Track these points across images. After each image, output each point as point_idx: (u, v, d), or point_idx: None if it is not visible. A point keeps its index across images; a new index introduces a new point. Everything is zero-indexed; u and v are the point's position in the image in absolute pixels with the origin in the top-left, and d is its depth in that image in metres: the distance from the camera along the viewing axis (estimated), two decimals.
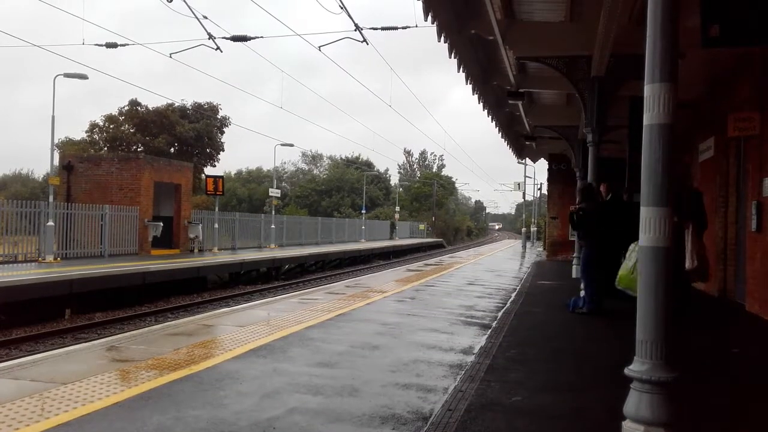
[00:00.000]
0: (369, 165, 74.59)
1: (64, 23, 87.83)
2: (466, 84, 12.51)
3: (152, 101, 42.12)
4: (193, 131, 40.93)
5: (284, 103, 77.65)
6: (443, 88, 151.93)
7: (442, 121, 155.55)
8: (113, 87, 78.74)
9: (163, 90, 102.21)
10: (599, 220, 8.71)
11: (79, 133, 41.29)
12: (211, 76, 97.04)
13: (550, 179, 23.60)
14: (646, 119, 3.08)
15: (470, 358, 5.60)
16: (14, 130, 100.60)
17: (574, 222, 9.04)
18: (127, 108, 40.87)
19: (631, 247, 7.41)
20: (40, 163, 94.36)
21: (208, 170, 39.89)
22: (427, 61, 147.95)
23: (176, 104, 41.17)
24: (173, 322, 7.94)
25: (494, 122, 18.00)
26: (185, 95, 40.61)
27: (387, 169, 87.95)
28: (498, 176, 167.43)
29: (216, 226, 24.05)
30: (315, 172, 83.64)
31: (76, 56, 37.80)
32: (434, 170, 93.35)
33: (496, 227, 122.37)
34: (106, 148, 39.01)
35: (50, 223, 16.43)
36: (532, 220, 50.12)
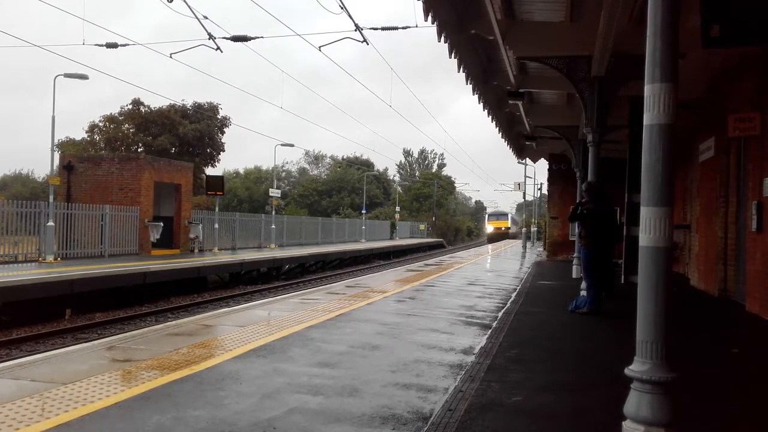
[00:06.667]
0: (369, 165, 74.64)
1: (70, 24, 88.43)
2: (467, 84, 12.50)
3: (164, 103, 41.96)
4: (194, 132, 40.91)
5: (295, 109, 78.63)
6: (448, 99, 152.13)
7: (445, 127, 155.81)
8: (132, 92, 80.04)
9: (185, 97, 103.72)
10: (602, 221, 8.72)
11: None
12: (228, 83, 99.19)
13: (551, 179, 23.60)
14: (647, 119, 3.07)
15: (470, 359, 5.59)
16: (27, 134, 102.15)
17: (575, 216, 8.99)
18: (129, 107, 40.85)
19: None
20: (41, 164, 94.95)
21: (209, 170, 39.86)
22: (433, 73, 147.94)
23: (177, 104, 41.16)
24: (173, 322, 7.94)
25: (494, 122, 17.99)
26: (203, 101, 40.80)
27: (386, 168, 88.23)
28: (498, 177, 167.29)
29: (216, 226, 24.04)
30: (315, 172, 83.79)
31: (94, 62, 38.15)
32: (434, 169, 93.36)
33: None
34: (104, 148, 38.94)
35: (50, 223, 16.43)
36: (533, 220, 50.05)
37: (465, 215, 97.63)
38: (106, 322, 12.37)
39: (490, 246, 43.98)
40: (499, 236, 59.96)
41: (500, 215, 68.76)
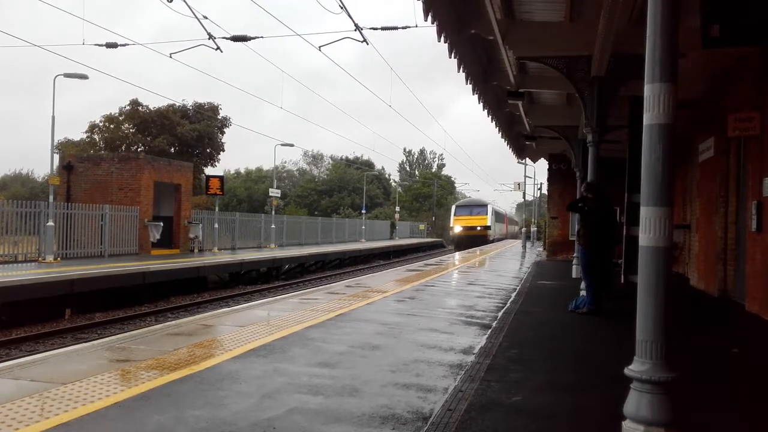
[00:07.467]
0: (369, 165, 74.68)
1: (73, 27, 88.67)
2: (467, 84, 12.49)
3: (164, 104, 41.96)
4: (194, 132, 40.90)
5: (296, 110, 79.50)
6: (448, 100, 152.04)
7: (445, 127, 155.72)
8: (133, 92, 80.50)
9: (186, 97, 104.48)
10: (602, 221, 8.73)
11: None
12: (228, 83, 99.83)
13: (550, 179, 23.60)
14: (646, 119, 3.07)
15: (470, 358, 5.59)
16: (27, 134, 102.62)
17: (575, 207, 9.19)
18: (128, 108, 40.84)
19: None
20: (41, 164, 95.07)
21: (209, 170, 39.86)
22: (434, 74, 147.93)
23: (177, 105, 41.16)
24: (173, 322, 7.94)
25: (494, 122, 17.99)
26: (203, 101, 40.90)
27: (383, 167, 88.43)
28: (498, 177, 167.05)
29: (216, 226, 24.05)
30: (315, 172, 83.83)
31: (94, 62, 38.32)
32: (434, 169, 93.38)
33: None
34: (104, 149, 38.92)
35: (50, 223, 16.43)
36: (533, 219, 50.02)
37: None
38: (105, 322, 12.36)
39: (490, 246, 37.99)
40: (472, 240, 40.23)
41: (474, 207, 45.19)
